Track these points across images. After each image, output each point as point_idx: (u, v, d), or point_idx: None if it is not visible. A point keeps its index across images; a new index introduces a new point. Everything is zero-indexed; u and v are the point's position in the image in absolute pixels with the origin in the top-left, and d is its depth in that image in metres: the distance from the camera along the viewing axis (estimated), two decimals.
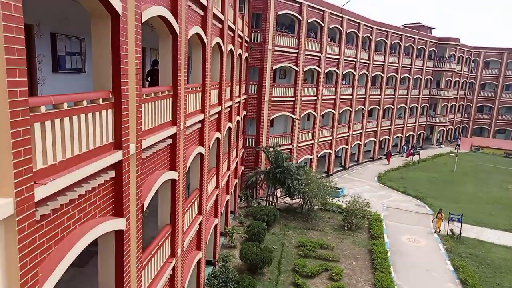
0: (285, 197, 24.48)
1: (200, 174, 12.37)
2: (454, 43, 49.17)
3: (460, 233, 21.16)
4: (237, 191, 23.26)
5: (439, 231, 21.73)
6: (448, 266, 17.93)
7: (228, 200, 19.16)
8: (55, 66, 8.49)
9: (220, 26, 14.08)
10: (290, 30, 27.50)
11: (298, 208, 23.60)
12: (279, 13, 24.55)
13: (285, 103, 26.85)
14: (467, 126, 59.98)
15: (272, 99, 25.41)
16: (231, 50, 16.72)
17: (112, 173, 5.53)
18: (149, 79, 10.67)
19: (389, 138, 43.24)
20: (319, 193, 22.14)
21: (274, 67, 25.11)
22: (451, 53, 49.35)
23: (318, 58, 29.25)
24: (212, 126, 13.91)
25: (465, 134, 59.10)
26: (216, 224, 16.00)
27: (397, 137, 45.13)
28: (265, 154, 24.38)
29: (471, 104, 59.19)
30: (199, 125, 11.75)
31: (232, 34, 17.01)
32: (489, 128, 59.01)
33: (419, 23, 48.30)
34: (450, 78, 50.37)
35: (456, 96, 54.47)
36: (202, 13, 10.98)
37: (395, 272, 17.00)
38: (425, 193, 29.06)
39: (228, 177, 18.64)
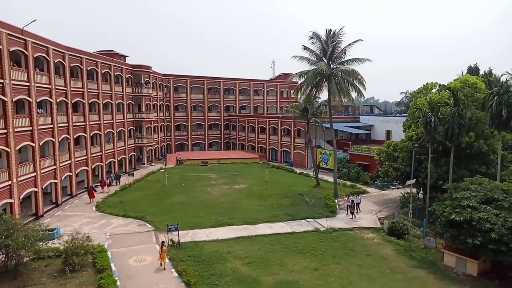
0: None
1: None
2: (147, 70, 54.28)
3: (179, 240, 23.48)
4: None
5: (164, 268, 19.95)
6: (173, 274, 19.47)
7: None
8: None
9: None
10: None
11: (2, 267, 19.12)
12: None
13: None
14: (170, 143, 67.61)
15: None
16: None
17: None
18: None
19: (102, 164, 42.44)
20: (27, 242, 18.73)
21: None
22: (146, 80, 54.14)
23: (1, 85, 24.85)
24: None
25: (170, 150, 66.37)
26: None
27: (109, 162, 44.96)
28: None
29: (170, 124, 67.26)
30: None
31: None
32: (187, 143, 69.17)
33: (112, 50, 50.01)
34: (149, 102, 55.17)
35: (157, 117, 60.31)
36: None
37: None
38: (144, 211, 30.41)
39: None
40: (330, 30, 35.49)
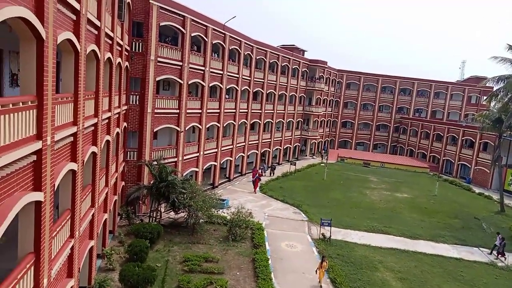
0: (170, 212, 23.83)
1: (72, 193, 11.16)
2: (322, 65, 55.41)
3: (330, 236, 23.56)
4: (117, 208, 21.69)
5: (321, 286, 17.78)
6: None
7: (106, 219, 17.70)
8: None
9: (96, 32, 13.12)
10: (174, 42, 27.24)
11: (184, 222, 23.16)
12: (161, 24, 24.11)
13: (170, 115, 26.32)
14: (334, 139, 67.83)
15: (156, 110, 24.64)
16: (109, 58, 15.70)
17: None
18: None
19: (269, 150, 46.05)
20: (204, 206, 22.13)
21: (157, 78, 24.45)
22: (320, 74, 55.42)
23: (202, 72, 29.60)
24: (87, 139, 12.75)
25: (332, 146, 66.68)
26: (92, 246, 14.60)
27: (276, 149, 48.36)
28: (148, 168, 23.37)
29: (337, 120, 67.29)
30: (71, 138, 10.66)
31: (111, 42, 16.02)
32: (351, 141, 68.01)
33: (293, 45, 53.04)
34: (320, 96, 56.40)
35: (325, 112, 61.26)
36: (74, 17, 10.09)
37: (276, 277, 17.97)
38: (301, 200, 31.64)
39: (106, 194, 17.27)
40: None
